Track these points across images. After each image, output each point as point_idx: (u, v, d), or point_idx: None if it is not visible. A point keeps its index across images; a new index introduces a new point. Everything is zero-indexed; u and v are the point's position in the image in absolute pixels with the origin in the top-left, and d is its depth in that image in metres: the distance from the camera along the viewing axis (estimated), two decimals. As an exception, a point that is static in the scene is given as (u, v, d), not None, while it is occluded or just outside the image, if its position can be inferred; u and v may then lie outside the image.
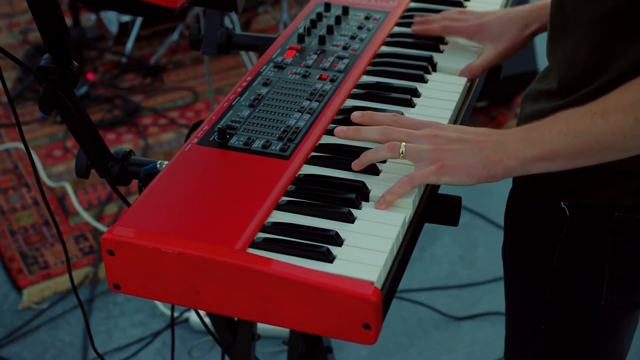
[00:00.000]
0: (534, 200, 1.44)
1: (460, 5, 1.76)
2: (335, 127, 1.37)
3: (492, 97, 3.72)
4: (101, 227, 3.13)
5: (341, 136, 1.32)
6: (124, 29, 4.18)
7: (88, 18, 4.39)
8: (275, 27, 4.41)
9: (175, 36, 4.17)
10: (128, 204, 1.51)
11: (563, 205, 1.38)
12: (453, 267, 3.02)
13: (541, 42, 3.95)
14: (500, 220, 3.11)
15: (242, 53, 3.93)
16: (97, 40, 4.24)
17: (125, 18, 4.17)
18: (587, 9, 1.27)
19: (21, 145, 3.56)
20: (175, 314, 2.77)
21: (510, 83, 3.63)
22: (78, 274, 2.95)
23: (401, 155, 1.26)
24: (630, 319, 1.48)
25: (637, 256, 1.38)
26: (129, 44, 4.13)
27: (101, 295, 2.88)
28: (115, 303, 2.86)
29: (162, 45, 4.16)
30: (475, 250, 3.07)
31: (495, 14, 1.62)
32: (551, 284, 1.44)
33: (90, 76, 3.97)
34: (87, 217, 3.18)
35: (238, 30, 4.03)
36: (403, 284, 2.93)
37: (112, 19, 4.18)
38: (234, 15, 4.10)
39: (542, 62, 3.80)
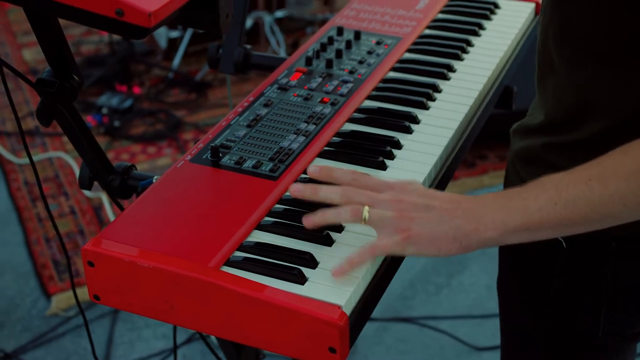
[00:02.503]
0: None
1: (479, 29, 1.75)
2: (331, 150, 1.38)
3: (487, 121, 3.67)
4: (133, 239, 3.17)
5: (297, 195, 1.22)
6: (173, 44, 4.25)
7: (139, 33, 4.46)
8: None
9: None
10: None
11: (559, 238, 1.36)
12: (479, 297, 2.99)
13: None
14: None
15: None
16: (146, 54, 4.31)
17: (174, 33, 4.24)
18: (566, 51, 1.26)
19: (64, 155, 3.63)
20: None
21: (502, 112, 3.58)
22: (107, 284, 2.99)
23: (363, 221, 1.17)
24: (627, 350, 1.46)
25: (635, 287, 1.35)
26: (176, 60, 4.20)
27: (127, 306, 2.92)
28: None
29: (208, 62, 4.20)
30: (503, 281, 3.04)
31: None
32: (548, 316, 1.43)
33: (137, 90, 4.03)
34: (120, 228, 3.22)
35: (283, 52, 4.07)
36: (427, 311, 2.93)
37: (162, 34, 4.25)
38: (279, 36, 4.15)
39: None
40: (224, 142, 1.38)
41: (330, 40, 1.68)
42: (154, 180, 1.42)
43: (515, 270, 1.48)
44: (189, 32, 4.18)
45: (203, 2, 1.10)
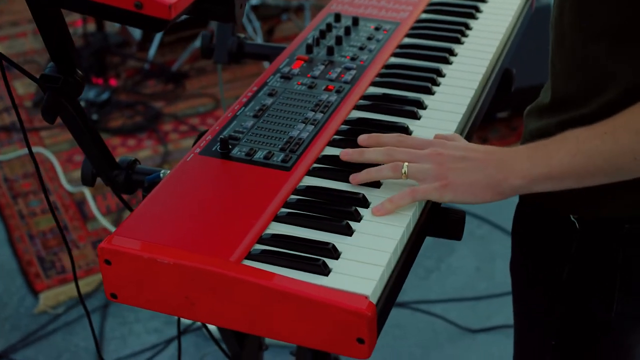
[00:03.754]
0: (542, 214, 1.43)
1: (476, 11, 1.74)
2: (340, 138, 1.37)
3: (514, 108, 3.70)
4: (119, 233, 3.14)
5: (346, 159, 1.30)
6: (148, 35, 4.20)
7: (112, 24, 4.41)
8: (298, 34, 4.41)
9: (197, 43, 4.17)
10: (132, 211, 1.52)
11: (573, 219, 1.36)
12: (470, 279, 3.00)
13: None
14: (518, 233, 3.10)
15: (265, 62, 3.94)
16: (121, 46, 4.26)
17: (149, 24, 4.19)
18: (583, 25, 1.26)
19: (43, 150, 3.58)
20: (190, 321, 2.77)
21: (531, 94, 3.60)
22: (95, 279, 2.96)
23: (404, 175, 1.25)
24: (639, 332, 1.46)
25: None
26: (152, 51, 4.15)
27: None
28: (130, 309, 2.86)
29: (184, 52, 4.17)
30: (493, 263, 3.05)
31: None
32: (561, 298, 1.43)
33: (113, 82, 3.99)
34: (105, 222, 3.20)
35: (260, 39, 4.05)
36: (418, 295, 2.93)
37: (135, 26, 4.20)
38: (256, 23, 4.12)
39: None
40: (232, 134, 1.36)
41: (329, 27, 1.66)
42: (161, 175, 1.40)
43: (529, 252, 1.48)
44: (164, 22, 4.14)
45: (218, -9, 1.08)
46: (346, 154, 1.31)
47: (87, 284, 2.95)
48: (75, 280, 1.52)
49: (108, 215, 3.25)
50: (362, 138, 1.33)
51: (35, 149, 3.60)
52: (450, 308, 2.88)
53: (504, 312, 2.86)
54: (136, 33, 4.21)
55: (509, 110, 3.72)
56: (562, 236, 1.39)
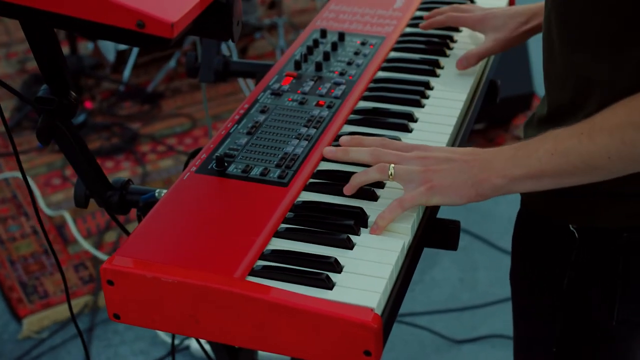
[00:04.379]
0: (542, 223, 1.44)
1: (456, 29, 1.76)
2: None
3: (490, 119, 3.73)
4: (101, 256, 3.13)
5: (330, 156, 1.33)
6: (122, 56, 4.20)
7: (85, 47, 4.41)
8: (272, 52, 4.42)
9: (172, 63, 4.18)
10: (127, 233, 1.52)
11: (572, 228, 1.38)
12: (454, 290, 3.01)
13: (537, 65, 3.94)
14: (501, 243, 3.13)
15: (240, 79, 3.95)
16: (95, 68, 4.25)
17: (123, 46, 4.18)
18: (568, 36, 1.28)
19: (20, 175, 3.56)
20: (176, 342, 2.76)
21: (508, 105, 3.65)
22: (78, 303, 2.94)
23: (390, 177, 1.27)
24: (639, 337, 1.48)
25: None
26: (127, 72, 4.15)
27: (101, 324, 2.88)
28: (115, 331, 2.85)
29: (159, 73, 4.17)
30: (476, 273, 3.07)
31: (500, 8, 1.67)
32: (562, 306, 1.44)
33: (88, 104, 3.98)
34: (86, 245, 3.18)
35: (235, 57, 4.05)
36: (404, 308, 2.92)
37: (109, 47, 4.20)
38: (231, 42, 4.12)
39: (539, 85, 3.82)
40: (227, 151, 1.37)
41: (316, 43, 1.67)
42: (156, 194, 1.40)
43: (529, 261, 1.49)
44: (138, 43, 4.13)
45: (216, 10, 1.09)
46: (330, 152, 1.33)
47: (70, 307, 2.93)
48: (68, 299, 1.52)
49: (89, 238, 3.23)
50: (344, 139, 1.35)
51: (12, 174, 3.59)
52: (435, 320, 2.89)
53: (489, 322, 2.88)
54: (110, 55, 4.20)
55: (485, 122, 3.75)
56: (562, 245, 1.40)
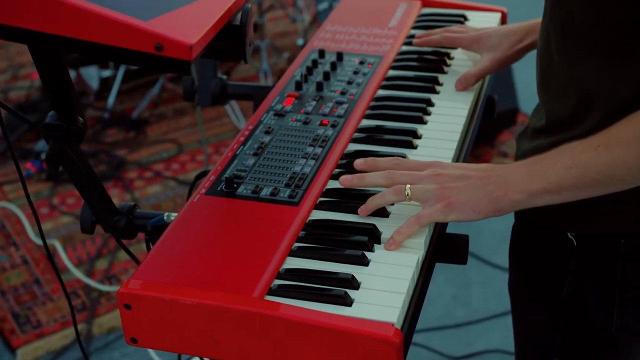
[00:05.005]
0: (540, 233, 1.45)
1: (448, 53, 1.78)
2: (341, 171, 1.38)
3: (475, 135, 3.74)
4: (92, 284, 3.11)
5: (347, 185, 1.33)
6: (105, 84, 4.20)
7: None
8: (255, 76, 4.43)
9: (156, 89, 4.18)
10: (134, 257, 1.52)
11: (570, 236, 1.39)
12: (448, 307, 3.02)
13: (521, 81, 3.97)
14: (493, 259, 3.15)
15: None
16: (78, 96, 4.23)
17: (106, 73, 4.18)
18: (569, 47, 1.29)
19: (8, 204, 3.54)
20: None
21: (492, 121, 3.66)
22: (71, 332, 2.93)
23: (407, 197, 1.28)
24: (638, 343, 1.49)
25: None
26: (111, 99, 4.14)
27: (96, 352, 2.86)
28: (110, 358, 2.83)
29: (143, 99, 4.17)
30: (469, 289, 3.08)
31: (494, 27, 1.69)
32: (562, 315, 1.45)
33: (74, 132, 3.96)
34: (77, 273, 3.16)
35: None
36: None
37: (92, 75, 4.19)
38: (214, 66, 4.13)
39: (523, 101, 3.86)
40: (236, 173, 1.37)
41: (315, 64, 1.68)
42: (164, 217, 1.40)
43: (528, 271, 1.51)
44: (121, 70, 4.13)
45: (229, 31, 1.10)
46: (346, 179, 1.34)
47: (64, 336, 2.92)
48: (74, 322, 1.51)
49: (80, 266, 3.22)
50: (358, 162, 1.36)
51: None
52: (432, 337, 2.89)
53: (484, 337, 2.89)
54: (94, 82, 4.19)
55: (471, 139, 3.77)
56: (561, 254, 1.42)
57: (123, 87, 4.23)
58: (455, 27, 1.74)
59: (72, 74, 4.38)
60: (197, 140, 3.96)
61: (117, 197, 3.60)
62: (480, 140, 3.79)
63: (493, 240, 3.23)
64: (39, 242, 3.34)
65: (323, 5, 4.32)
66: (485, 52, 1.65)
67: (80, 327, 2.95)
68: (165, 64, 1.00)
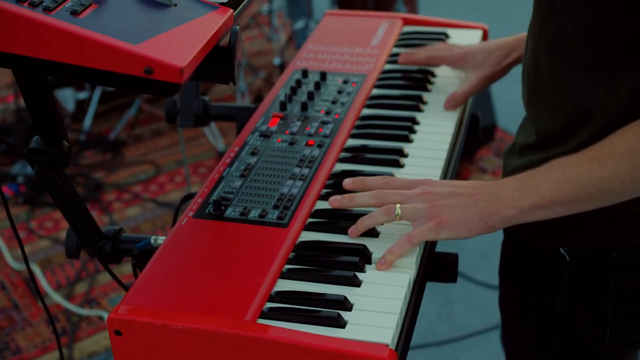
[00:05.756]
0: (530, 250, 1.45)
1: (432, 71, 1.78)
2: (328, 192, 1.38)
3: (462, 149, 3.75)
4: (72, 308, 3.08)
5: (336, 205, 1.33)
6: (81, 106, 4.17)
7: (43, 97, 4.36)
8: (232, 96, 4.42)
9: (133, 110, 4.16)
10: (120, 282, 1.50)
11: (562, 252, 1.39)
12: (431, 325, 3.01)
13: (499, 97, 3.98)
14: (476, 276, 3.14)
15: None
16: (54, 118, 4.20)
17: (82, 95, 4.16)
18: (560, 63, 1.30)
19: (-16, 229, 3.51)
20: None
21: (470, 138, 3.68)
22: (52, 357, 2.89)
23: (397, 217, 1.27)
24: (631, 356, 1.49)
25: (637, 295, 1.39)
26: (87, 121, 4.12)
27: (78, 377, 2.83)
28: (92, 384, 2.81)
29: (120, 120, 4.15)
30: (453, 307, 3.07)
31: (478, 44, 1.69)
32: (554, 331, 1.45)
33: (50, 155, 3.93)
34: (57, 297, 3.13)
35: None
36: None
37: (68, 97, 4.17)
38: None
39: (501, 117, 3.87)
40: (223, 195, 1.36)
41: (298, 84, 1.68)
42: (152, 241, 1.39)
43: (519, 288, 1.50)
44: (97, 92, 4.11)
45: (218, 53, 1.09)
46: (335, 200, 1.33)
47: (44, 362, 2.89)
48: (59, 346, 1.50)
49: (59, 290, 3.18)
50: (347, 182, 1.36)
51: (-23, 229, 3.52)
52: (415, 355, 2.88)
53: (468, 354, 2.88)
54: (69, 105, 4.17)
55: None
56: (553, 269, 1.42)
57: (99, 108, 4.20)
58: (440, 45, 1.75)
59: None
60: (175, 160, 3.94)
61: (96, 220, 3.56)
62: (459, 157, 3.80)
63: (476, 257, 3.23)
64: (17, 266, 3.31)
65: (299, 25, 4.32)
66: (471, 70, 1.66)
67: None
68: (154, 87, 0.99)
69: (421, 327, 2.99)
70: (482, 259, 3.15)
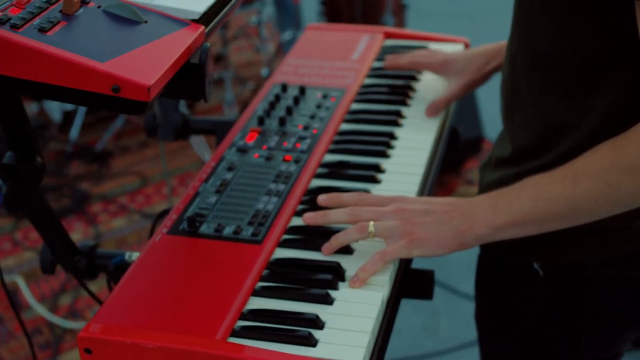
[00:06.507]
0: (504, 264, 1.45)
1: (417, 73, 1.78)
2: (304, 208, 1.37)
3: (441, 164, 3.75)
4: (56, 320, 3.07)
5: (310, 222, 1.32)
6: (68, 116, 4.16)
7: (30, 107, 4.36)
8: (219, 106, 4.42)
9: (120, 121, 4.15)
10: (95, 297, 1.50)
11: (536, 267, 1.39)
12: (416, 337, 3.00)
13: (486, 109, 3.99)
14: (460, 288, 3.13)
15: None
16: (41, 129, 4.20)
17: (69, 106, 4.15)
18: (536, 78, 1.30)
19: (-31, 241, 3.49)
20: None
21: (458, 150, 3.67)
22: (35, 370, 2.87)
23: (371, 234, 1.26)
24: None
25: (611, 309, 1.39)
26: (74, 131, 4.11)
27: (61, 390, 2.81)
28: (75, 397, 2.79)
29: (107, 131, 4.14)
30: (438, 319, 3.07)
31: (460, 52, 1.70)
32: (528, 345, 1.45)
33: (36, 166, 3.92)
34: (41, 310, 3.12)
35: (184, 111, 4.04)
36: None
37: (54, 108, 4.16)
38: (178, 98, 4.11)
39: (488, 129, 3.87)
40: (198, 211, 1.36)
41: (277, 98, 1.67)
42: (126, 257, 1.38)
43: (494, 302, 1.50)
44: (84, 103, 4.10)
45: (188, 71, 1.09)
46: (309, 217, 1.32)
47: (27, 375, 2.87)
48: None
49: (43, 302, 3.17)
50: (321, 199, 1.35)
51: (-39, 240, 3.51)
52: (400, 368, 2.88)
53: (453, 367, 2.88)
54: (56, 115, 4.16)
55: (436, 167, 3.77)
56: (526, 283, 1.41)
57: (86, 119, 4.19)
58: (423, 52, 1.75)
59: (35, 107, 4.34)
60: (161, 172, 3.93)
61: (81, 231, 3.56)
62: (446, 168, 3.80)
63: (460, 269, 3.21)
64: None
65: (286, 36, 4.32)
66: (452, 77, 1.67)
67: (44, 364, 2.90)
68: (122, 105, 0.98)
69: (406, 340, 2.98)
70: (467, 271, 3.12)
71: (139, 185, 3.89)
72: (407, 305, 3.08)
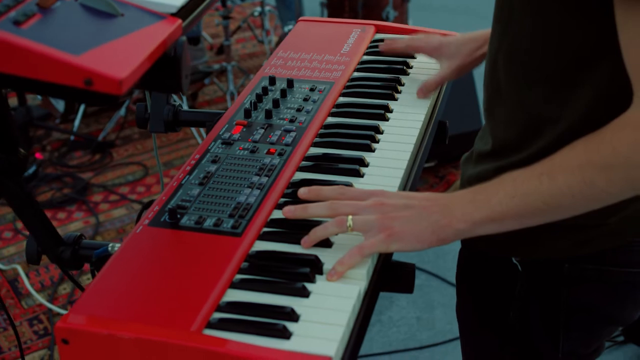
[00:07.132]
0: (485, 259, 1.45)
1: (406, 67, 1.78)
2: (286, 201, 1.38)
3: (440, 157, 3.76)
4: (55, 309, 3.09)
5: (289, 216, 1.32)
6: (71, 106, 4.18)
7: (34, 97, 4.38)
8: (222, 97, 4.43)
9: (122, 112, 4.16)
10: (81, 288, 1.51)
11: (515, 262, 1.39)
12: (411, 330, 3.01)
13: (485, 102, 3.94)
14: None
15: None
16: (44, 119, 4.22)
17: (72, 96, 4.16)
18: (517, 74, 1.30)
19: (-30, 229, 3.51)
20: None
21: (457, 143, 3.67)
22: (33, 358, 2.90)
23: (349, 228, 1.27)
24: None
25: (589, 306, 1.39)
26: (77, 122, 4.12)
27: (57, 379, 2.83)
28: (72, 386, 2.80)
29: (109, 121, 4.15)
30: (433, 311, 3.07)
31: (454, 36, 1.72)
32: (510, 340, 1.45)
33: (39, 155, 3.94)
34: (40, 298, 3.14)
35: (185, 104, 4.05)
36: (363, 349, 2.92)
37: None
38: (180, 88, 4.12)
39: (488, 121, 3.86)
40: (180, 203, 1.36)
41: (265, 91, 1.68)
42: (109, 249, 1.39)
43: (475, 297, 1.51)
44: (87, 93, 4.11)
45: (164, 64, 1.09)
46: (289, 211, 1.32)
47: (25, 363, 2.89)
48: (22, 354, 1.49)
49: (43, 291, 3.19)
50: (302, 192, 1.35)
51: (-38, 229, 3.53)
52: (396, 359, 2.89)
53: (448, 359, 2.88)
54: (59, 105, 4.17)
55: (436, 160, 3.78)
56: (506, 278, 1.42)
57: (89, 109, 4.21)
58: (420, 35, 1.76)
59: (39, 96, 4.36)
60: (162, 162, 3.95)
61: (82, 220, 3.58)
62: (445, 161, 3.80)
63: (455, 262, 3.22)
64: (2, 266, 3.31)
65: (289, 27, 4.32)
66: (445, 60, 1.68)
67: (42, 352, 2.92)
68: (95, 98, 0.99)
69: (401, 333, 3.00)
70: (464, 265, 3.14)
71: (141, 175, 3.91)
72: (403, 298, 3.10)
